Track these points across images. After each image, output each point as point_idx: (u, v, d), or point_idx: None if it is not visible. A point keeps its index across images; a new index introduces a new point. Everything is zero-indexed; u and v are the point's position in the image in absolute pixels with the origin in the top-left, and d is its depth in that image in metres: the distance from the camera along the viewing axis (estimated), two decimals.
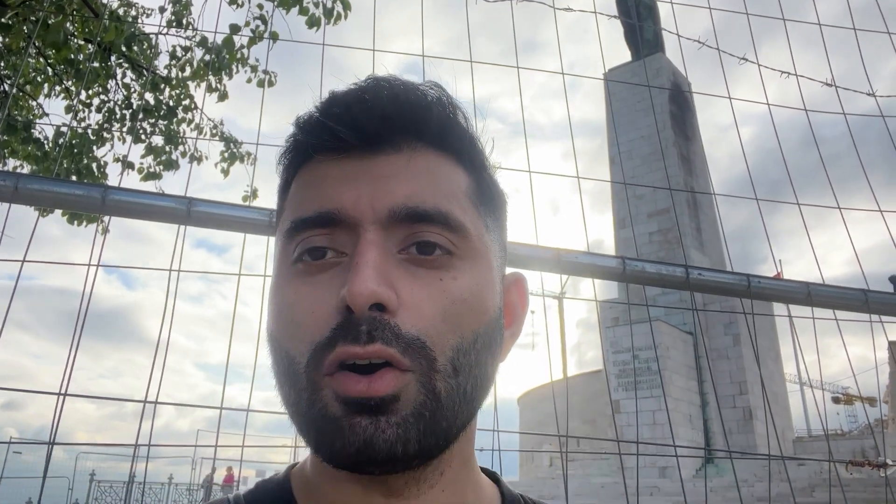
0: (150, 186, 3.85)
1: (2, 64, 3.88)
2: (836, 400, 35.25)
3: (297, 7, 2.74)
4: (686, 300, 21.77)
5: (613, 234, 25.01)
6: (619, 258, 1.42)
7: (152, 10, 4.98)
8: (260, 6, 2.93)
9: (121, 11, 4.85)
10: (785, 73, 2.02)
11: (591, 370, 25.62)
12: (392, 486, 0.47)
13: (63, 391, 1.10)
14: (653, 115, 22.91)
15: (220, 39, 3.20)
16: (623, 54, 27.66)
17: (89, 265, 1.15)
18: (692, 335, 21.80)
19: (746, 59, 2.13)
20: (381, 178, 0.48)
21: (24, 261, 1.26)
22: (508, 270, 0.58)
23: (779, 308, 1.72)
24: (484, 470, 0.58)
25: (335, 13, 2.70)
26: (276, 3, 2.81)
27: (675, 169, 24.03)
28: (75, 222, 4.18)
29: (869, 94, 2.02)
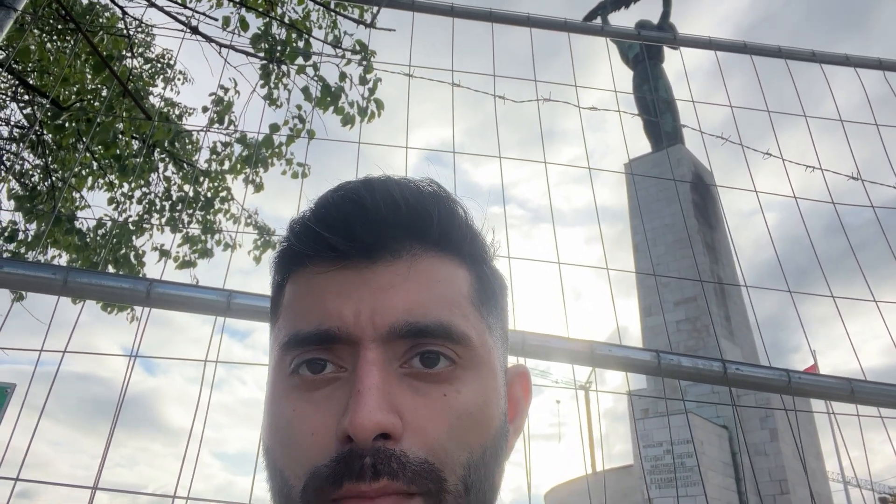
0: (184, 275, 3.97)
1: (50, 159, 4.11)
2: (883, 501, 33.22)
3: (333, 107, 2.89)
4: (719, 392, 21.05)
5: (640, 321, 24.64)
6: (653, 352, 1.41)
7: (194, 108, 5.31)
8: (299, 107, 3.12)
9: (163, 110, 5.17)
10: (810, 167, 2.05)
11: (621, 465, 24.55)
12: None
13: (95, 485, 1.10)
14: (675, 204, 23.12)
15: (259, 137, 3.39)
16: (642, 143, 28.28)
17: (131, 356, 1.18)
18: (727, 429, 20.92)
19: (770, 154, 2.17)
20: (381, 290, 0.46)
21: (65, 351, 1.28)
22: (511, 361, 0.57)
23: (817, 402, 1.67)
24: None
25: (369, 112, 2.85)
26: (314, 104, 2.98)
27: (701, 257, 23.93)
28: (109, 310, 4.27)
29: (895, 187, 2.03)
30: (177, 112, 5.28)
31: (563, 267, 1.66)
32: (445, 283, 0.48)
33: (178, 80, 5.30)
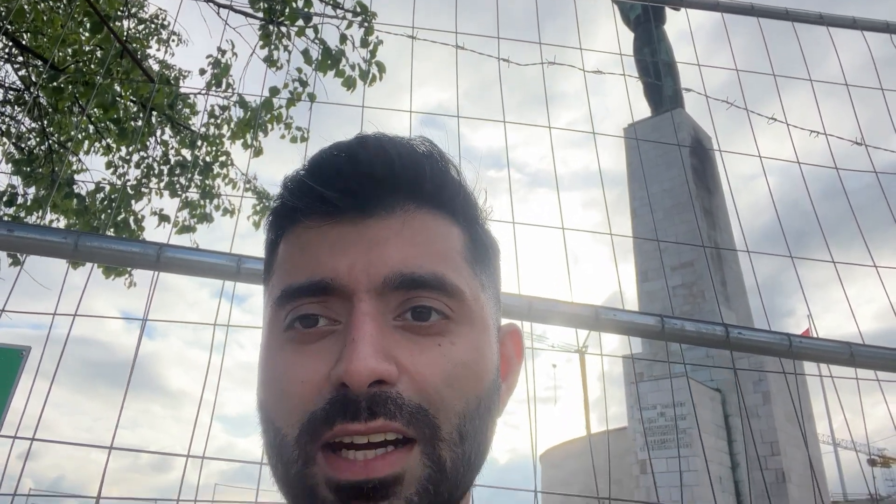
0: (185, 239, 3.96)
1: (46, 122, 4.07)
2: (872, 462, 33.89)
3: (334, 70, 2.85)
4: (713, 356, 21.28)
5: (636, 286, 24.78)
6: (657, 316, 1.42)
7: (190, 71, 5.23)
8: (299, 69, 3.07)
9: (162, 73, 5.09)
10: (814, 132, 2.04)
11: (615, 427, 24.99)
12: None
13: (111, 445, 1.12)
14: (674, 169, 23.04)
15: (259, 100, 3.34)
16: (641, 106, 28.04)
17: (143, 319, 1.19)
18: (720, 392, 21.25)
19: (776, 119, 2.15)
20: (375, 243, 0.46)
21: (76, 315, 1.30)
22: (503, 321, 0.57)
23: (809, 365, 1.69)
24: None
25: (371, 75, 2.81)
26: (314, 67, 2.93)
27: (699, 222, 23.95)
28: (108, 274, 4.28)
29: (856, 143, 2.03)
30: (173, 75, 5.21)
31: (556, 229, 1.67)
32: (439, 239, 0.48)
33: (174, 41, 5.22)
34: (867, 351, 1.52)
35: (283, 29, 2.92)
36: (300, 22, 2.67)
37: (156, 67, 4.61)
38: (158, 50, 5.08)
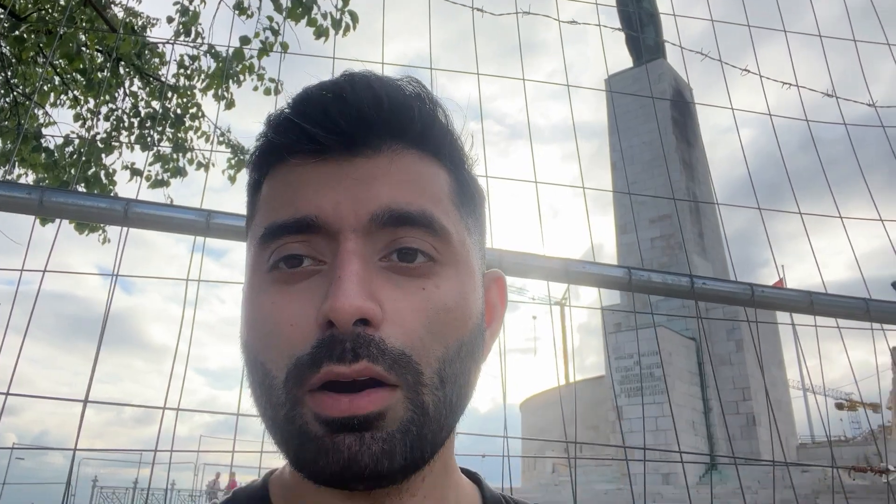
0: (158, 194, 3.90)
1: (10, 73, 3.93)
2: (839, 406, 35.16)
3: (306, 18, 2.77)
4: (689, 306, 21.75)
5: (615, 239, 25.01)
6: (625, 268, 1.45)
7: (158, 19, 5.05)
8: (270, 18, 2.97)
9: (127, 21, 4.91)
10: (786, 83, 2.05)
11: (593, 376, 25.59)
12: (375, 497, 0.46)
13: (86, 398, 1.13)
14: (654, 121, 22.97)
15: (230, 51, 3.25)
16: (623, 54, 27.75)
17: (113, 275, 1.19)
18: (694, 341, 21.79)
19: (748, 71, 2.16)
20: (362, 181, 0.45)
21: (45, 271, 1.29)
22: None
23: (782, 315, 1.75)
24: (465, 471, 0.57)
25: (343, 24, 2.73)
26: (285, 15, 2.84)
27: (678, 174, 24.07)
28: (81, 230, 4.22)
29: (869, 105, 2.05)
30: (140, 23, 5.03)
31: (540, 185, 1.68)
32: (426, 179, 0.48)
33: None
34: (826, 299, 1.58)
35: None
36: None
37: (121, 15, 4.44)
38: None
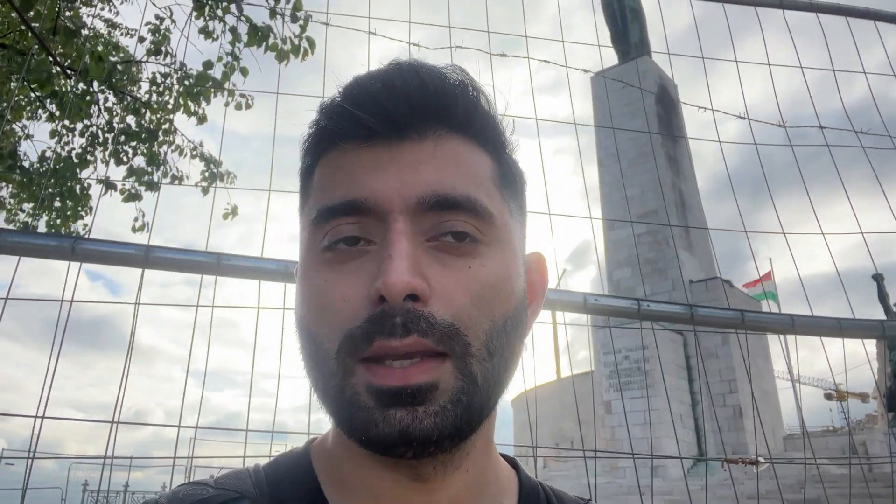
0: (130, 207, 4.00)
1: None
2: (828, 396, 35.41)
3: (264, 45, 2.89)
4: (677, 301, 21.91)
5: (603, 235, 25.16)
6: (581, 294, 1.59)
7: (136, 30, 5.13)
8: (232, 43, 3.07)
9: (105, 31, 4.99)
10: (739, 116, 2.19)
11: (582, 371, 25.77)
12: (421, 469, 0.48)
13: (42, 413, 1.25)
14: (640, 118, 23.07)
15: (199, 69, 3.37)
16: (610, 49, 27.85)
17: (136, 304, 1.31)
18: (681, 335, 21.99)
19: (704, 108, 2.28)
20: (409, 165, 0.48)
21: (72, 301, 1.40)
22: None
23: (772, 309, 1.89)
24: (503, 456, 0.59)
25: (301, 49, 2.84)
26: (243, 44, 2.96)
27: (663, 170, 24.25)
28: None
29: (779, 125, 2.19)
30: (118, 33, 5.12)
31: (532, 166, 1.79)
32: (470, 163, 0.50)
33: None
34: (807, 320, 1.74)
35: (213, 3, 2.92)
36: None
37: (99, 24, 4.53)
38: (103, 8, 4.98)
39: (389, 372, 0.43)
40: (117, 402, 1.31)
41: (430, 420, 0.43)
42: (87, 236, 4.20)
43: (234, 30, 2.89)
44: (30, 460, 1.35)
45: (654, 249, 23.65)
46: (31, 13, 2.66)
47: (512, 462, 0.60)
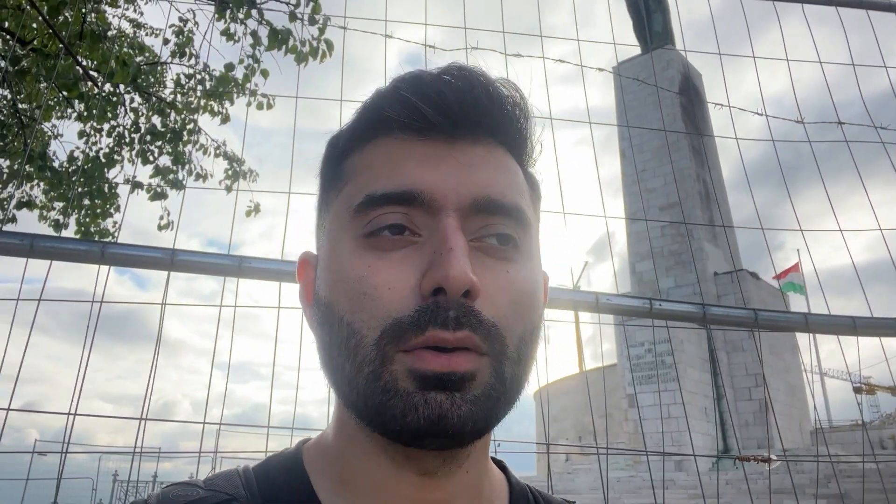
0: (156, 206, 4.10)
1: (15, 96, 4.11)
2: (857, 390, 34.77)
3: (284, 48, 2.94)
4: (700, 293, 21.68)
5: (625, 227, 24.95)
6: (594, 294, 1.61)
7: (160, 29, 5.22)
8: (252, 45, 3.14)
9: (131, 31, 5.09)
10: (756, 112, 2.18)
11: (606, 364, 25.67)
12: (429, 464, 0.48)
13: (74, 410, 1.31)
14: (663, 109, 22.80)
15: (221, 70, 3.44)
16: (632, 38, 27.52)
17: (162, 304, 1.40)
18: (705, 327, 21.70)
19: (721, 105, 2.27)
20: (465, 165, 0.48)
21: (101, 301, 1.47)
22: None
23: (796, 302, 1.91)
24: (491, 458, 0.59)
25: (320, 51, 2.90)
26: (264, 48, 3.02)
27: (687, 161, 23.94)
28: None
29: (798, 121, 2.18)
30: (143, 34, 5.22)
31: (554, 177, 1.82)
32: (514, 174, 0.52)
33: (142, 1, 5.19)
34: (821, 319, 1.75)
35: (234, 8, 2.98)
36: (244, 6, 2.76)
37: (125, 25, 4.63)
38: (128, 8, 5.07)
39: (436, 357, 0.43)
40: (146, 397, 1.37)
41: (467, 407, 0.43)
42: (114, 238, 4.33)
43: (254, 34, 2.95)
44: (63, 454, 1.42)
45: (678, 241, 23.38)
46: (60, 18, 2.75)
47: (501, 465, 0.61)
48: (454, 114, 0.48)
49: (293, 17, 2.85)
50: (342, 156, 0.53)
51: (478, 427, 0.44)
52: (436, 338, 0.43)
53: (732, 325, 1.84)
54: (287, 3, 2.76)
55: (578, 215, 1.66)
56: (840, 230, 2.16)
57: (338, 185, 0.53)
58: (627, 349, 20.60)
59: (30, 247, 1.34)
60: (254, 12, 2.87)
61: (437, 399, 0.43)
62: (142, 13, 5.03)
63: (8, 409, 1.27)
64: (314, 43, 2.90)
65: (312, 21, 2.86)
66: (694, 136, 25.22)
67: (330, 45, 2.89)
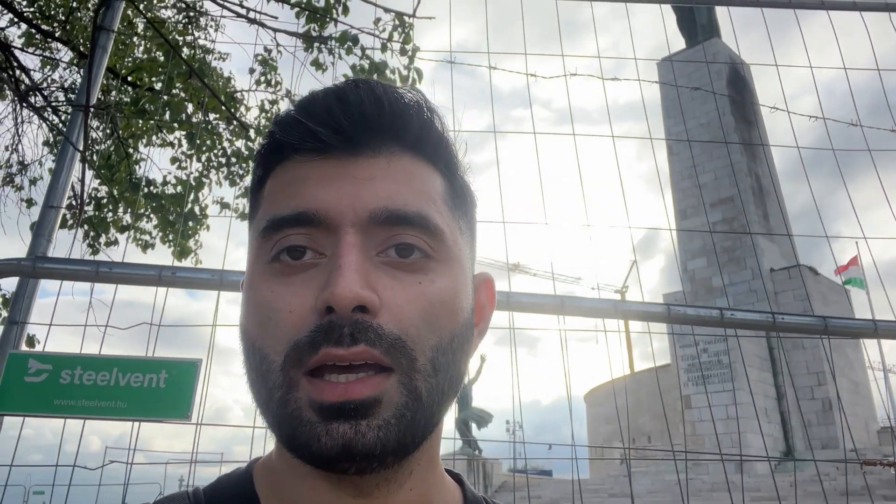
0: (244, 227, 4.30)
1: (120, 132, 4.42)
2: None
3: (376, 75, 3.10)
4: (757, 291, 21.20)
5: (675, 224, 24.50)
6: (665, 305, 1.71)
7: (228, 54, 5.49)
8: (345, 75, 3.30)
9: (214, 63, 5.34)
10: (813, 117, 2.24)
11: (659, 364, 25.29)
12: (363, 486, 0.47)
13: (199, 421, 1.50)
14: (711, 102, 22.35)
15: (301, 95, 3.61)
16: (676, 34, 27.08)
17: (213, 325, 1.59)
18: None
19: (777, 108, 2.34)
20: (362, 179, 0.48)
21: (158, 325, 1.67)
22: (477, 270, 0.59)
23: (857, 297, 1.96)
24: (448, 472, 0.58)
25: (410, 79, 3.05)
26: (358, 73, 3.18)
27: (738, 155, 23.39)
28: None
29: (853, 124, 2.22)
30: (212, 58, 5.49)
31: (594, 173, 1.92)
32: (421, 181, 0.50)
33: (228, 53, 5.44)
34: (893, 325, 1.80)
35: (330, 44, 3.16)
36: (343, 43, 2.94)
37: (215, 63, 4.90)
38: (213, 41, 5.32)
39: (332, 387, 0.43)
40: (200, 406, 1.51)
41: (373, 434, 0.43)
42: (196, 256, 4.54)
43: (354, 68, 3.12)
44: (129, 465, 1.59)
45: (731, 238, 22.88)
46: (173, 61, 2.98)
47: (457, 478, 0.60)
48: (346, 129, 0.48)
49: (384, 48, 3.02)
50: (259, 183, 0.54)
51: (389, 450, 0.44)
52: (330, 355, 0.43)
53: (802, 332, 1.85)
54: (377, 37, 2.91)
55: (624, 219, 1.75)
56: (864, 237, 2.18)
57: (256, 212, 0.53)
58: (682, 349, 20.26)
59: (95, 272, 1.53)
60: (356, 49, 3.05)
61: (340, 430, 0.42)
62: (228, 55, 5.27)
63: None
64: (404, 72, 3.06)
65: (403, 52, 3.03)
66: (744, 128, 24.67)
67: (419, 73, 3.05)
